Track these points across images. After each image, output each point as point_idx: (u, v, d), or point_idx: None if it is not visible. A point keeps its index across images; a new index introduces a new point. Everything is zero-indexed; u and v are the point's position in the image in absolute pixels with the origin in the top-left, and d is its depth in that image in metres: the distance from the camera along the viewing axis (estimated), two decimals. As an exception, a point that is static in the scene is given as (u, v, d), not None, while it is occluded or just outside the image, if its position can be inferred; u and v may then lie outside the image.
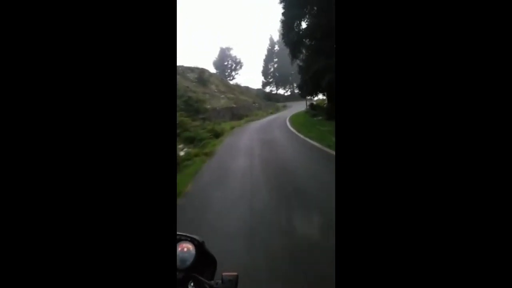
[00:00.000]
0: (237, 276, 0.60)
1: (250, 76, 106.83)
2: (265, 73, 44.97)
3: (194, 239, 0.66)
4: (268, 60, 44.86)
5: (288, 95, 43.89)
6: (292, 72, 44.02)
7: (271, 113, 22.33)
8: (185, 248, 0.64)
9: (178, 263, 0.62)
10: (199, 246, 0.65)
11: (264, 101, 29.03)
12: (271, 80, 45.02)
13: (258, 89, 40.22)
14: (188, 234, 0.66)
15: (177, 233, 0.65)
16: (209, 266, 0.67)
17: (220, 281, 0.60)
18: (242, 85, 33.59)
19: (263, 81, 45.23)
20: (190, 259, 0.63)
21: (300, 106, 29.04)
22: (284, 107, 28.25)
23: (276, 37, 44.55)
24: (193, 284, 0.59)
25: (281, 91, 45.33)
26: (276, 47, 44.55)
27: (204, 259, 0.66)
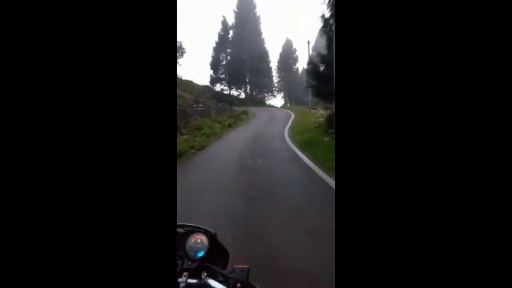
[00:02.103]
0: (248, 268, 0.62)
1: (195, 71, 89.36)
2: (215, 65, 33.78)
3: (207, 230, 0.69)
4: (219, 49, 33.88)
5: (243, 98, 33.60)
6: (249, 67, 34.53)
7: (230, 126, 11.46)
8: (199, 239, 0.67)
9: (191, 253, 0.65)
10: (212, 238, 0.68)
11: (214, 102, 18.23)
12: (222, 76, 34.22)
13: (204, 86, 28.99)
14: (201, 226, 0.70)
15: (190, 224, 0.70)
16: (222, 258, 0.70)
17: (232, 272, 0.61)
18: (184, 78, 22.12)
19: (212, 76, 33.79)
20: (203, 249, 0.66)
21: (268, 114, 18.22)
22: (245, 113, 17.39)
23: (232, 18, 34.39)
24: (206, 274, 0.61)
25: (233, 92, 34.90)
26: (231, 33, 34.24)
27: (217, 250, 0.68)
